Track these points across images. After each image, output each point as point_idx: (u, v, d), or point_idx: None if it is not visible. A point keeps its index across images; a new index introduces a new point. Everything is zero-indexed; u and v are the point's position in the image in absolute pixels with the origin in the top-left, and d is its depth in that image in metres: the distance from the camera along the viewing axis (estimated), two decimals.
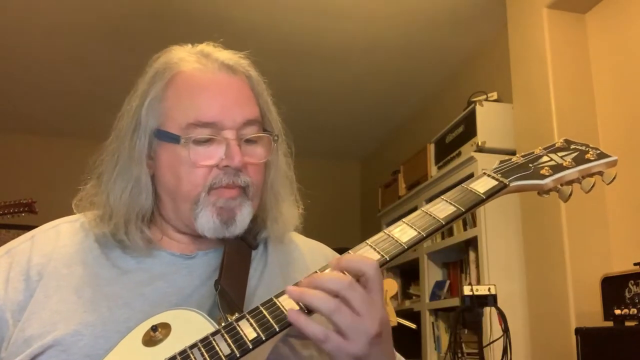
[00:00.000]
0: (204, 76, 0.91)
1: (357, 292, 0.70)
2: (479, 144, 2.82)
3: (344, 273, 0.73)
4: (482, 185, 0.85)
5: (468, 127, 2.97)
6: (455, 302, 2.93)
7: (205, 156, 0.87)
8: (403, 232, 0.78)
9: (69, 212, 0.96)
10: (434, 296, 3.28)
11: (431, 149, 3.35)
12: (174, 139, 0.87)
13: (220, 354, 0.68)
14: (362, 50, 3.50)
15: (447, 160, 3.15)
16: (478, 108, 2.90)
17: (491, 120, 2.90)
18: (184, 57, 0.93)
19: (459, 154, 3.02)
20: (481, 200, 0.82)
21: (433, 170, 3.30)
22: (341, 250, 0.82)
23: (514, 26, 2.88)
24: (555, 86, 2.56)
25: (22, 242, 0.92)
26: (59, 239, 0.91)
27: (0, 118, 4.34)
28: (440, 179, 3.15)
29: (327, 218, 4.36)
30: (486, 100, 2.98)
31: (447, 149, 3.17)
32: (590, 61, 2.64)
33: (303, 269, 0.95)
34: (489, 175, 0.86)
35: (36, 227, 0.97)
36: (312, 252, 1.01)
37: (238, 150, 0.87)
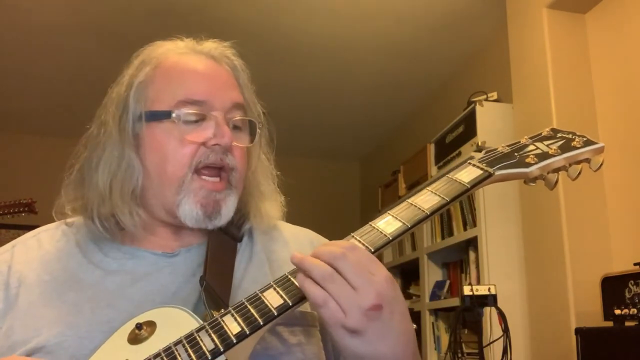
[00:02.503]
0: (191, 61, 0.92)
1: (350, 263, 0.68)
2: (479, 144, 2.82)
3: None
4: (466, 175, 0.84)
5: (468, 127, 2.97)
6: (455, 302, 2.93)
7: (194, 133, 0.87)
8: (388, 223, 0.78)
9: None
10: (434, 296, 3.28)
11: (431, 149, 3.35)
12: (165, 114, 0.87)
13: (204, 349, 0.68)
14: (362, 50, 3.50)
15: (447, 160, 3.15)
16: (478, 108, 2.90)
17: (491, 120, 2.90)
18: (171, 48, 0.95)
19: (459, 154, 3.02)
20: (466, 190, 0.82)
21: (433, 170, 3.30)
22: None
23: (514, 26, 2.88)
24: (555, 86, 2.56)
25: (3, 252, 0.92)
26: (40, 247, 0.91)
27: (1, 118, 4.34)
28: None
29: (327, 218, 4.35)
30: (486, 100, 2.98)
31: (447, 149, 3.17)
32: (590, 61, 2.64)
33: (288, 255, 0.95)
34: (474, 165, 0.86)
35: (36, 227, 0.97)
36: (297, 238, 1.01)
37: (228, 129, 0.88)
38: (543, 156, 0.87)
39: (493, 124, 2.89)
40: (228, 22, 3.15)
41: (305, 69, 3.72)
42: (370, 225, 0.78)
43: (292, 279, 0.74)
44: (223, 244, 0.91)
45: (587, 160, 0.88)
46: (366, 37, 3.36)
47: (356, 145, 5.04)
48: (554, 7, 2.63)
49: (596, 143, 0.88)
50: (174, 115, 0.87)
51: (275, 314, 0.70)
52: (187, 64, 0.92)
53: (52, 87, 3.93)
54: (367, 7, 3.08)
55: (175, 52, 0.93)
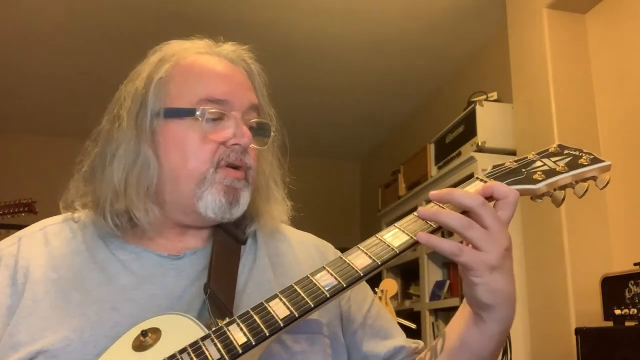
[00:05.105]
0: (210, 61, 0.93)
1: (489, 209, 0.75)
2: (479, 144, 2.82)
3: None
4: (475, 190, 0.84)
5: (468, 127, 2.97)
6: (455, 302, 2.93)
7: (215, 132, 0.89)
8: (395, 236, 0.78)
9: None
10: (434, 296, 3.28)
11: (431, 149, 3.35)
12: (188, 112, 0.88)
13: (210, 358, 0.68)
14: (362, 50, 3.50)
15: (447, 160, 3.15)
16: (478, 108, 2.90)
17: (491, 120, 2.89)
18: (189, 47, 0.96)
19: (459, 154, 3.02)
20: None
21: (433, 170, 3.30)
22: (342, 250, 0.82)
23: (514, 26, 2.88)
24: (555, 86, 2.56)
25: (8, 245, 0.90)
26: (47, 242, 0.90)
27: (0, 118, 4.34)
28: (441, 179, 3.15)
29: (327, 218, 4.36)
30: (486, 100, 2.97)
31: (447, 149, 3.17)
32: (590, 61, 2.64)
33: (292, 260, 0.95)
34: (481, 180, 0.86)
35: None
36: (302, 242, 1.01)
37: (247, 130, 0.90)
38: (550, 173, 0.87)
39: (493, 124, 2.88)
40: (228, 22, 3.15)
41: (304, 68, 3.72)
42: (377, 237, 0.79)
43: (298, 289, 0.73)
44: (227, 247, 0.91)
45: (594, 178, 0.88)
46: (366, 37, 3.36)
47: (356, 145, 5.04)
48: (554, 7, 2.62)
49: (603, 161, 0.88)
50: (197, 112, 0.88)
51: (282, 325, 0.70)
52: (207, 63, 0.93)
53: (52, 87, 3.93)
54: (367, 7, 3.08)
55: (194, 51, 0.94)
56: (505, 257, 0.75)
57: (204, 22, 3.13)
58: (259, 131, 0.95)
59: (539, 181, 0.85)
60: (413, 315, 3.38)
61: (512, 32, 2.89)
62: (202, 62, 0.93)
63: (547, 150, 0.92)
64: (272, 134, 0.96)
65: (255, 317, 0.71)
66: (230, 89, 0.91)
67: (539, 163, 0.89)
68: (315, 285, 0.73)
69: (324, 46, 3.46)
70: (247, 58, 0.98)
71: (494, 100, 3.01)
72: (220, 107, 0.89)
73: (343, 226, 4.97)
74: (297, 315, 0.71)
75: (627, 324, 1.99)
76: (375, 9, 3.10)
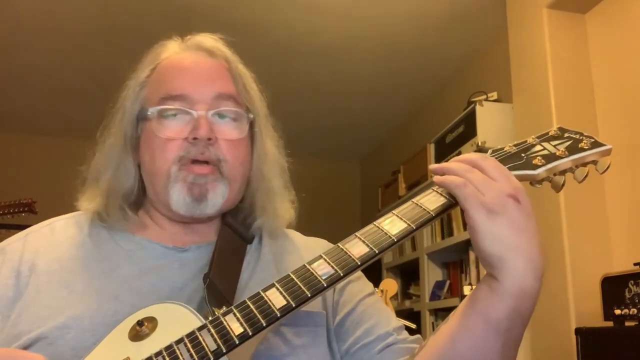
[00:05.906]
0: (180, 58, 0.94)
1: (489, 161, 0.76)
2: (479, 144, 2.82)
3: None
4: None
5: (468, 127, 2.97)
6: (455, 302, 2.93)
7: (173, 129, 0.89)
8: (393, 224, 0.76)
9: (69, 212, 0.97)
10: (434, 296, 3.28)
11: (431, 149, 3.35)
12: (148, 113, 0.90)
13: (207, 349, 0.68)
14: (362, 50, 3.50)
15: (447, 160, 3.15)
16: (478, 108, 2.91)
17: (491, 120, 2.90)
18: (170, 47, 0.97)
19: (459, 154, 3.00)
20: None
21: None
22: None
23: (514, 26, 2.88)
24: (555, 86, 2.56)
25: (15, 240, 0.92)
26: (53, 236, 0.92)
27: (0, 118, 4.34)
28: None
29: (327, 218, 4.35)
30: (486, 100, 2.98)
31: (447, 149, 3.17)
32: (590, 61, 2.64)
33: (298, 260, 0.94)
34: None
35: None
36: (308, 245, 1.01)
37: (205, 122, 0.88)
38: (550, 157, 0.84)
39: (493, 124, 2.89)
40: (228, 22, 3.15)
41: (305, 69, 3.72)
42: (375, 225, 0.77)
43: (295, 278, 0.72)
44: (232, 244, 0.92)
45: (594, 162, 0.85)
46: (366, 37, 3.36)
47: (356, 145, 5.04)
48: (554, 7, 2.63)
49: (604, 145, 0.85)
50: (149, 113, 0.89)
51: (279, 315, 0.69)
52: (176, 61, 0.94)
53: (52, 87, 3.93)
54: (366, 7, 3.08)
55: (173, 51, 0.96)
56: (508, 205, 0.71)
57: (204, 23, 3.12)
58: (241, 120, 0.92)
59: (539, 166, 0.83)
60: (413, 315, 3.39)
61: (512, 32, 2.89)
62: (171, 61, 0.94)
63: (547, 133, 0.90)
64: (247, 122, 0.93)
65: (252, 307, 0.70)
66: (189, 82, 0.90)
67: (538, 147, 0.87)
68: (312, 274, 0.72)
69: (325, 47, 3.46)
70: (224, 48, 0.96)
71: (494, 100, 3.01)
72: (179, 103, 0.89)
73: (343, 226, 4.95)
74: (294, 305, 0.69)
75: (627, 324, 1.99)
76: (376, 10, 3.10)
